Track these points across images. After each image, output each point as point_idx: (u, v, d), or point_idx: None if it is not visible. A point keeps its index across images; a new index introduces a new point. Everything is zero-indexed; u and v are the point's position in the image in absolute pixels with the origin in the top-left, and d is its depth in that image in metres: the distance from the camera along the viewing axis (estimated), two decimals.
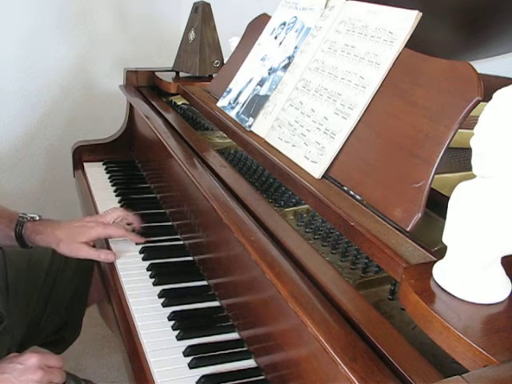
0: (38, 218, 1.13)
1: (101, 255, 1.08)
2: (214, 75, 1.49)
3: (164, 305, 0.96)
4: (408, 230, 0.71)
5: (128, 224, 1.19)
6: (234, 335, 0.89)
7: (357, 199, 0.81)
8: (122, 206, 1.33)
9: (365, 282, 0.75)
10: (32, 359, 0.84)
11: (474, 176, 0.56)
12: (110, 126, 1.77)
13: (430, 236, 0.74)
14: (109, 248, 1.13)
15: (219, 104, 1.25)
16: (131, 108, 1.61)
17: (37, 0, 1.99)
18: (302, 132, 0.96)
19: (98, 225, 1.10)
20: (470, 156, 0.55)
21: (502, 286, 0.56)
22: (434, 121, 0.74)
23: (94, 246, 1.12)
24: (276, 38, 1.17)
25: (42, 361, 0.85)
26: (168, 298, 0.97)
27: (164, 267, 1.08)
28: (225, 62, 1.49)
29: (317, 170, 0.89)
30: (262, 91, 1.12)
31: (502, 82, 0.71)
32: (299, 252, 0.76)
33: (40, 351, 0.95)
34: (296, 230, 0.83)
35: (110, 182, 1.48)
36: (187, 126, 1.32)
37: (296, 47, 1.08)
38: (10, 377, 0.81)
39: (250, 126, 1.10)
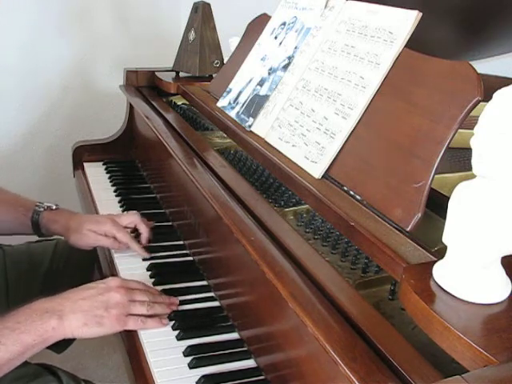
0: (54, 208, 1.14)
1: (114, 243, 1.07)
2: (214, 75, 1.49)
3: None
4: (408, 230, 0.70)
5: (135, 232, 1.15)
6: (234, 335, 0.89)
7: (357, 199, 0.81)
8: (121, 206, 1.33)
9: (365, 282, 0.75)
10: (114, 281, 0.90)
11: (473, 176, 0.56)
12: (110, 126, 1.77)
13: (430, 236, 0.74)
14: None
15: (219, 104, 1.25)
16: (131, 108, 1.61)
17: (37, 0, 1.99)
18: (302, 132, 0.96)
19: (108, 221, 1.08)
20: (470, 156, 0.55)
21: (502, 286, 0.56)
22: (434, 121, 0.74)
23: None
24: (276, 38, 1.17)
25: (124, 283, 0.90)
26: None
27: (164, 267, 1.08)
28: (225, 62, 1.49)
29: (317, 170, 0.89)
30: (262, 91, 1.12)
31: (501, 81, 0.70)
32: (299, 252, 0.76)
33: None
34: (296, 229, 0.83)
35: (110, 182, 1.48)
36: (187, 126, 1.32)
37: (296, 47, 1.08)
38: (94, 292, 0.86)
39: (250, 126, 1.10)
